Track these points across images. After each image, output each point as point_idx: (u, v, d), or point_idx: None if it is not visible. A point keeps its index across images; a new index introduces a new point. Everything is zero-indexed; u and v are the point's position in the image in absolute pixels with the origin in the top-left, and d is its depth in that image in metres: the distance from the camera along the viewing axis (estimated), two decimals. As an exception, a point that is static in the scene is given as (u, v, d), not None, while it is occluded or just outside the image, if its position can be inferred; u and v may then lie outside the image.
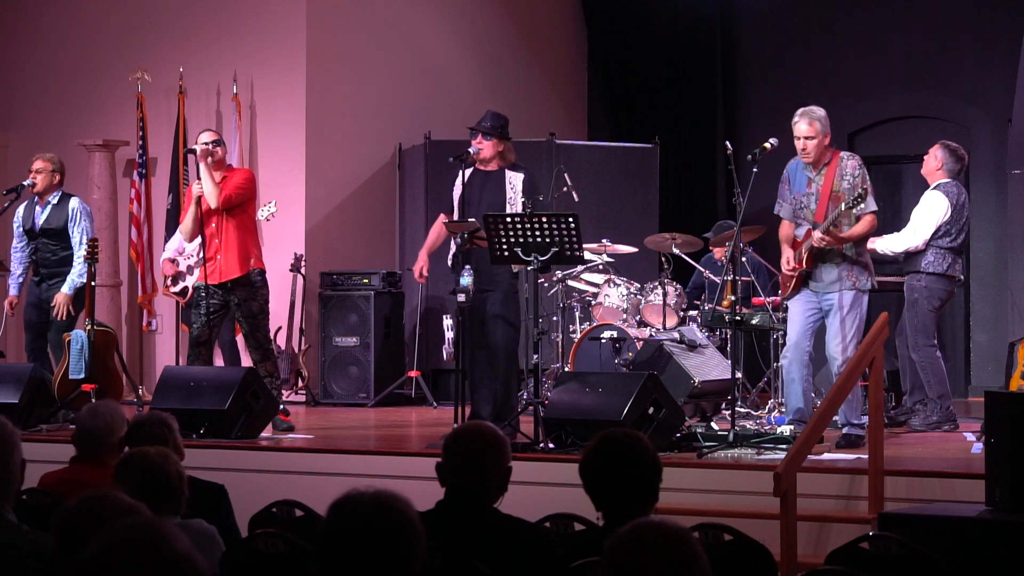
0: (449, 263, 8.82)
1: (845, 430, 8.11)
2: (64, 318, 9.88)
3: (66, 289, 9.89)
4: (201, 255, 9.32)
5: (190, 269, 11.02)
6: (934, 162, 9.48)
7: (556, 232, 8.08)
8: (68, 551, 3.06)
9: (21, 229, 10.12)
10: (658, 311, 10.36)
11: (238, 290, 9.23)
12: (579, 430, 7.71)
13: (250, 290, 9.25)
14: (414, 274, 9.19)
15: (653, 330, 10.24)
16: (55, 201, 10.04)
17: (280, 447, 8.64)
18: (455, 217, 8.77)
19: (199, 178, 9.27)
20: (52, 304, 9.90)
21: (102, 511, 3.06)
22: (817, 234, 8.10)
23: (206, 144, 9.29)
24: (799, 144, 8.25)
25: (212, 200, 9.16)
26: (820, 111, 8.27)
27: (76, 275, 9.89)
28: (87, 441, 5.53)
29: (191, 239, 9.62)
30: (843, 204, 8.06)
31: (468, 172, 8.93)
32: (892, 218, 11.45)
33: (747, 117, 13.77)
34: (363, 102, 12.60)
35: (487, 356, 8.79)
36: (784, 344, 10.40)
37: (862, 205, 8.07)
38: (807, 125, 8.21)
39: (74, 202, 10.06)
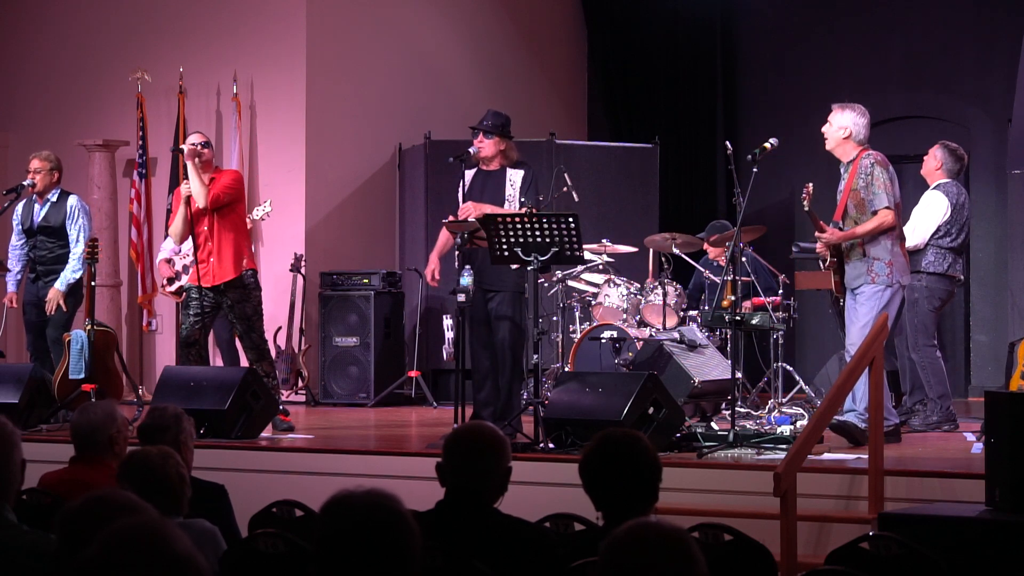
0: (456, 264, 8.81)
1: (847, 416, 8.04)
2: (53, 312, 9.88)
3: (59, 285, 9.90)
4: (194, 256, 9.32)
5: (186, 268, 11.02)
6: (933, 162, 9.50)
7: (556, 232, 8.08)
8: (73, 550, 3.06)
9: (20, 227, 10.13)
10: (658, 311, 10.36)
11: (231, 292, 9.22)
12: (579, 430, 7.70)
13: (243, 292, 9.24)
14: (426, 277, 9.19)
15: (653, 330, 10.24)
16: (54, 199, 10.06)
17: (280, 447, 8.63)
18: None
19: (187, 178, 9.28)
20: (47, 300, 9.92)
21: (108, 510, 3.06)
22: (817, 235, 8.23)
23: (194, 144, 9.30)
24: (822, 128, 8.44)
25: (200, 200, 9.16)
26: (850, 107, 8.37)
27: (71, 272, 9.90)
28: (77, 440, 5.55)
29: (181, 240, 9.59)
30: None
31: (472, 173, 8.94)
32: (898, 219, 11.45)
33: (747, 117, 13.77)
34: (363, 102, 12.60)
35: (491, 356, 8.78)
36: (783, 344, 10.48)
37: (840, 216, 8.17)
38: (830, 118, 8.39)
39: (72, 200, 10.08)
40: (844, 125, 8.33)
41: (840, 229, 8.25)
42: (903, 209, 8.61)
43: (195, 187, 9.16)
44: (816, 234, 8.30)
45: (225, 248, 9.19)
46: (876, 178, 8.22)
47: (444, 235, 9.12)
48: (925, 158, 9.58)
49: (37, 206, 10.08)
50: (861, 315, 8.12)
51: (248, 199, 10.41)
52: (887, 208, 8.20)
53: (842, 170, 8.40)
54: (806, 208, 8.20)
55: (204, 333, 9.30)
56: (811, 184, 8.26)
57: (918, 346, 9.22)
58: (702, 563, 2.66)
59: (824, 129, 8.41)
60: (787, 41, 13.74)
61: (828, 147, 8.42)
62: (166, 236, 11.91)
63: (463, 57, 13.35)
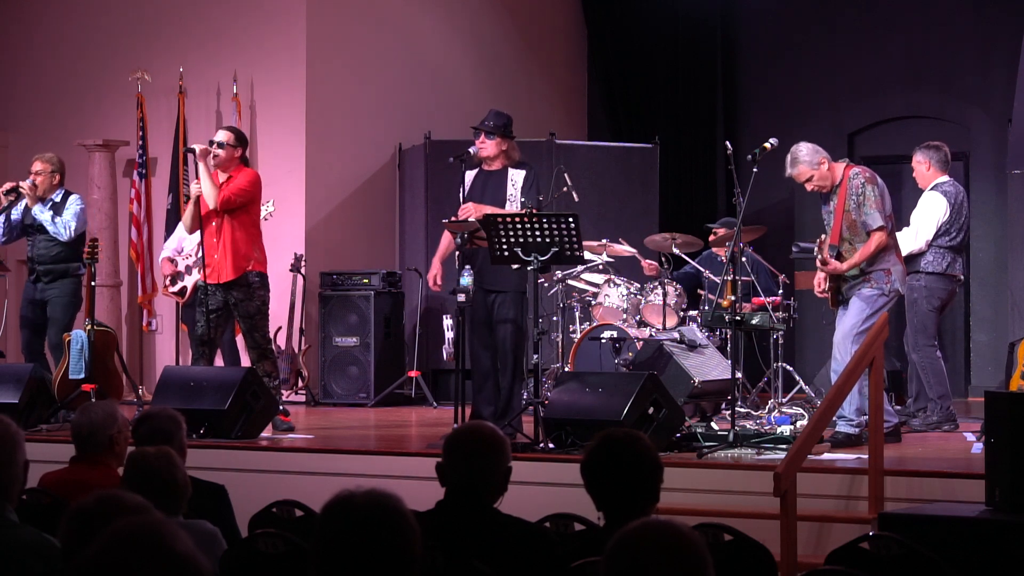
0: (457, 264, 8.80)
1: (839, 426, 8.06)
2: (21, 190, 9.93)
3: (42, 208, 9.90)
4: (200, 254, 9.31)
5: (188, 269, 11.02)
6: (922, 166, 9.45)
7: (556, 232, 8.08)
8: (79, 550, 3.06)
9: (19, 217, 10.06)
10: (658, 311, 10.36)
11: (235, 290, 9.21)
12: (579, 430, 7.70)
13: (247, 291, 9.22)
14: (429, 282, 9.18)
15: (653, 330, 10.24)
16: (57, 199, 10.07)
17: (280, 447, 8.63)
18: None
19: (197, 177, 9.25)
20: (46, 300, 9.94)
21: (118, 511, 3.05)
22: (819, 265, 8.17)
23: (209, 143, 9.25)
24: (808, 188, 8.35)
25: (211, 201, 9.12)
26: (799, 149, 8.29)
27: (53, 219, 9.89)
28: (77, 439, 5.56)
29: (191, 231, 9.57)
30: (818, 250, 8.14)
31: (473, 174, 8.93)
32: (894, 226, 11.44)
33: (747, 117, 13.77)
34: (363, 102, 12.60)
35: (491, 356, 8.78)
36: (783, 344, 10.48)
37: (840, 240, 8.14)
38: (797, 172, 8.29)
39: (74, 196, 10.12)
40: (817, 160, 8.24)
41: (838, 251, 8.19)
42: (901, 212, 8.60)
43: (206, 188, 9.12)
44: (819, 266, 8.21)
45: (229, 248, 9.17)
46: (867, 197, 8.16)
47: (445, 238, 9.12)
48: (914, 173, 9.50)
49: (40, 204, 10.07)
50: (850, 316, 8.11)
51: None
52: (880, 228, 8.16)
53: (832, 195, 8.30)
54: (819, 258, 8.15)
55: (216, 332, 9.28)
56: (824, 235, 8.22)
57: (918, 346, 9.21)
58: (711, 564, 2.66)
59: (808, 185, 8.27)
60: (787, 41, 13.74)
61: (826, 188, 8.25)
62: (167, 236, 11.94)
63: (463, 57, 13.35)
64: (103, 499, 3.15)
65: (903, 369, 10.01)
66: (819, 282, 8.31)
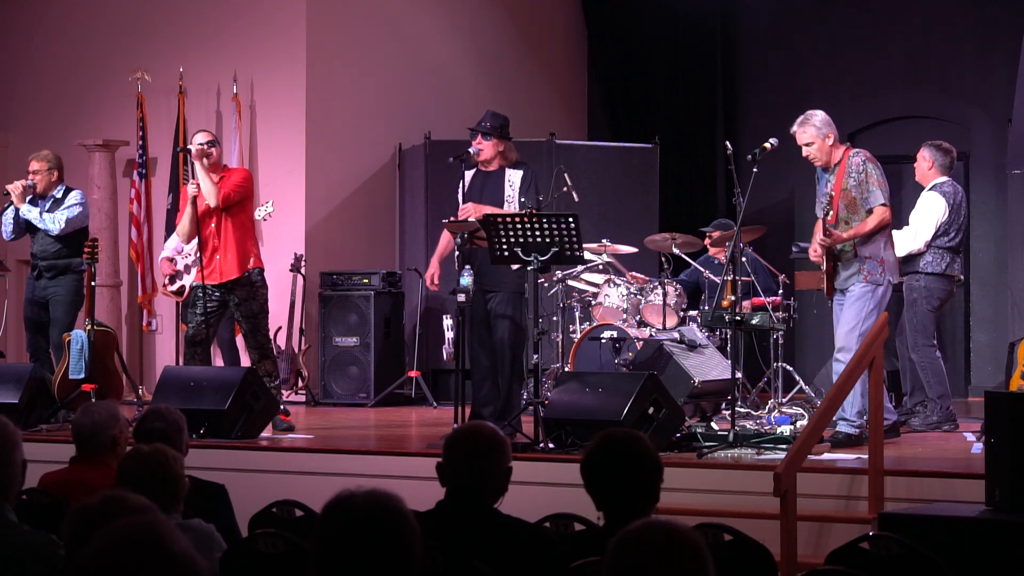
0: (456, 265, 8.81)
1: (839, 426, 8.06)
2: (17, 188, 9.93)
3: (28, 207, 9.88)
4: (198, 254, 9.31)
5: (187, 268, 11.01)
6: (925, 163, 9.47)
7: (556, 232, 8.08)
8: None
9: (23, 216, 10.06)
10: (658, 311, 10.36)
11: (238, 290, 9.22)
12: (579, 430, 7.70)
13: (250, 290, 9.24)
14: (427, 282, 9.18)
15: (653, 330, 10.24)
16: (59, 195, 10.09)
17: (280, 447, 8.63)
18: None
19: (194, 178, 9.28)
20: (47, 298, 9.94)
21: (122, 512, 3.05)
22: (818, 236, 8.16)
23: (201, 144, 9.28)
24: (804, 153, 8.30)
25: (211, 199, 9.15)
26: (815, 115, 8.29)
27: (40, 215, 9.87)
28: (78, 439, 5.56)
29: (188, 240, 9.60)
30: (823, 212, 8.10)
31: (471, 174, 8.94)
32: (892, 218, 11.43)
33: (747, 117, 13.77)
34: (363, 102, 12.60)
35: (490, 356, 8.78)
36: (783, 344, 10.48)
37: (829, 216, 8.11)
38: (803, 132, 8.27)
39: (75, 191, 10.14)
40: (826, 132, 8.25)
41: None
42: (900, 212, 8.59)
43: (205, 186, 9.14)
44: (819, 238, 8.20)
45: (231, 246, 9.19)
46: (870, 175, 8.16)
47: (445, 238, 9.12)
48: (915, 166, 9.53)
49: (41, 201, 10.08)
50: (849, 317, 8.09)
51: (249, 199, 10.42)
52: (883, 205, 8.15)
53: (828, 175, 8.32)
54: (828, 218, 8.13)
55: (210, 332, 9.29)
56: (827, 211, 8.22)
57: (917, 346, 9.21)
58: (712, 565, 2.66)
59: (807, 151, 8.26)
60: (787, 41, 13.74)
61: (820, 161, 8.26)
62: (166, 236, 11.94)
63: (463, 57, 13.35)
64: (107, 499, 3.15)
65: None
66: (815, 248, 8.29)
